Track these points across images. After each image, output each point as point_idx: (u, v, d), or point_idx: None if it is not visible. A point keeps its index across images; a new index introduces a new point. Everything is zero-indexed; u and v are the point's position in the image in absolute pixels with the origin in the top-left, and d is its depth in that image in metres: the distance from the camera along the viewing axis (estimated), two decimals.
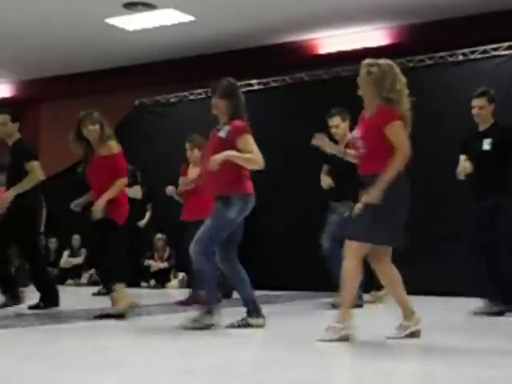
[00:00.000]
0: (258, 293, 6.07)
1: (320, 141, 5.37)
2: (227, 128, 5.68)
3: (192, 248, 5.63)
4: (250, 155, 5.61)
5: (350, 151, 5.43)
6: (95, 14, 11.24)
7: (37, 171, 7.05)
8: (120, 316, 6.32)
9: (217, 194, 5.70)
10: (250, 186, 5.75)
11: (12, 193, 6.93)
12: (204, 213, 6.10)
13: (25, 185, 6.96)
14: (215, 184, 5.67)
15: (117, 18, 11.44)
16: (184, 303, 7.99)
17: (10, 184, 7.12)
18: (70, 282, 12.81)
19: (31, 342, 5.23)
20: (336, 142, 7.38)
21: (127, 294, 6.48)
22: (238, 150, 5.61)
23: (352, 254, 4.90)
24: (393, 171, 4.84)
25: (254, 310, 5.79)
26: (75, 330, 5.89)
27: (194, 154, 8.08)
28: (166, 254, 12.07)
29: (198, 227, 5.79)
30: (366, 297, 8.21)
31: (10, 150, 7.23)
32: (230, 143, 5.62)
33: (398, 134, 4.94)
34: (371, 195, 4.81)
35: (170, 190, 8.32)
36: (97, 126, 6.48)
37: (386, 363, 4.19)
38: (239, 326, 5.74)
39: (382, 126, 4.95)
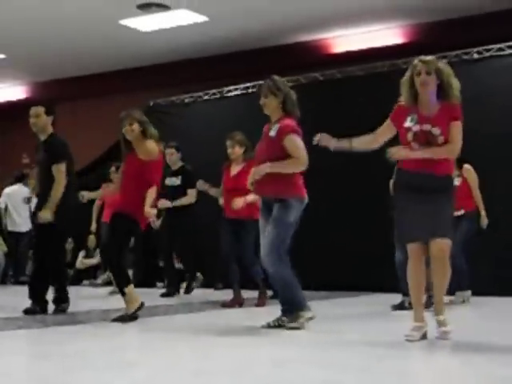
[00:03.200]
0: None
1: (324, 140, 5.33)
2: (277, 126, 5.68)
3: (266, 262, 5.62)
4: (291, 160, 5.61)
5: (357, 139, 5.32)
6: (109, 15, 11.28)
7: (62, 176, 6.81)
8: (133, 318, 6.27)
9: (275, 197, 5.66)
10: (303, 189, 5.77)
11: (48, 213, 6.73)
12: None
13: (57, 196, 6.77)
14: (273, 185, 5.64)
15: (131, 19, 11.47)
16: (228, 305, 7.97)
17: (41, 183, 6.97)
18: (85, 282, 12.84)
19: (46, 342, 5.25)
20: None
21: (137, 295, 6.42)
22: (285, 149, 5.63)
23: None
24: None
25: (290, 310, 5.80)
26: (90, 331, 5.91)
27: (235, 150, 7.98)
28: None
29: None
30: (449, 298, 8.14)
31: (41, 147, 6.99)
32: (278, 143, 5.64)
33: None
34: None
35: (200, 184, 8.27)
36: (135, 126, 6.34)
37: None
38: (275, 326, 5.75)
39: (449, 123, 4.96)
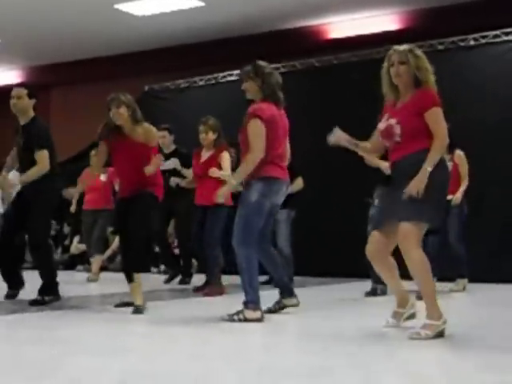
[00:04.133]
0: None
1: (337, 139, 5.15)
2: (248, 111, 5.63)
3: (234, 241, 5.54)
4: (246, 160, 5.51)
5: (363, 144, 5.26)
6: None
7: (45, 163, 6.66)
8: (138, 312, 6.07)
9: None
10: (273, 169, 5.60)
11: (21, 179, 6.68)
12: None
13: (33, 175, 6.63)
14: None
15: (126, 3, 11.41)
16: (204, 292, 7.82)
17: (23, 167, 6.79)
18: (79, 267, 12.82)
19: (38, 327, 5.25)
20: None
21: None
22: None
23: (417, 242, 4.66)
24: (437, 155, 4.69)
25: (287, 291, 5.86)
26: (83, 316, 5.90)
27: (207, 136, 7.88)
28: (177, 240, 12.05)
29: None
30: (450, 286, 8.19)
31: (21, 131, 6.80)
32: (245, 128, 5.57)
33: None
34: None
35: (171, 180, 8.32)
36: (122, 109, 6.19)
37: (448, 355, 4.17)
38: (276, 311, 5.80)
39: (419, 112, 4.76)
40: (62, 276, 8.71)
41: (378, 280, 7.06)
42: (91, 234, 10.15)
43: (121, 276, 6.27)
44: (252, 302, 5.42)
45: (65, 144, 14.05)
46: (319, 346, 4.32)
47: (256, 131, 5.50)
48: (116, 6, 11.52)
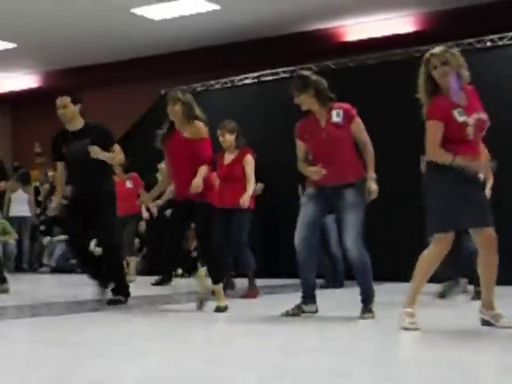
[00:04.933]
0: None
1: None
2: (339, 112, 5.67)
3: (350, 245, 5.55)
4: (370, 149, 5.64)
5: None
6: (121, 4, 11.28)
7: (121, 154, 6.82)
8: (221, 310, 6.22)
9: (344, 182, 5.60)
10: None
11: (103, 155, 6.68)
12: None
13: (116, 156, 6.78)
14: (340, 171, 5.59)
15: (143, 7, 11.47)
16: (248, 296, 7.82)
17: (82, 172, 6.73)
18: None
19: (58, 329, 5.26)
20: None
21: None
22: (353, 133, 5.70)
23: None
24: None
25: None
26: (101, 318, 5.92)
27: (225, 139, 7.85)
28: (195, 243, 12.04)
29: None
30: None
31: (77, 136, 6.73)
32: (346, 127, 5.65)
33: None
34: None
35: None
36: (178, 107, 6.25)
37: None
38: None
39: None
40: (79, 279, 8.81)
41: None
42: (122, 239, 10.28)
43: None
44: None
45: None
46: (341, 349, 4.31)
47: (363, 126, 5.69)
48: (132, 11, 11.58)
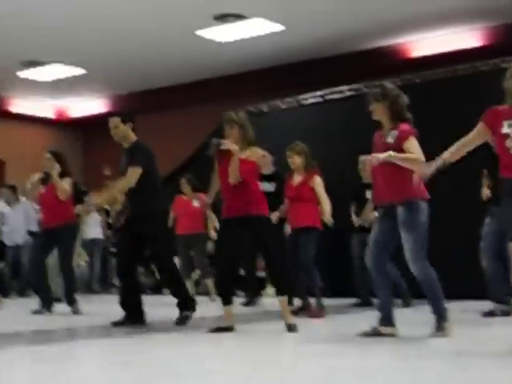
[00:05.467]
0: None
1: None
2: (395, 133, 5.63)
3: (411, 267, 5.55)
4: (414, 155, 5.48)
5: (449, 150, 5.23)
6: (186, 27, 11.42)
7: (131, 177, 6.77)
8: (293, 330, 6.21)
9: (399, 201, 5.58)
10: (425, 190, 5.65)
11: (99, 199, 6.92)
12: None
13: (120, 188, 6.89)
14: (396, 189, 5.57)
15: (207, 29, 11.58)
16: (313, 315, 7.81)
17: (128, 191, 6.91)
18: (166, 291, 12.94)
19: (128, 350, 5.32)
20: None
21: None
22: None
23: None
24: None
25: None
26: (167, 339, 5.95)
27: (294, 160, 7.93)
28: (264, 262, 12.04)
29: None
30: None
31: (125, 153, 7.02)
32: (398, 147, 5.55)
33: None
34: None
35: None
36: (234, 130, 6.29)
37: None
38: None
39: None
40: (149, 300, 8.90)
41: (499, 300, 7.03)
42: (186, 257, 10.38)
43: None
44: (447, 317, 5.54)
45: None
46: (412, 369, 4.24)
47: (417, 147, 5.56)
48: (198, 33, 11.71)
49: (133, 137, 7.03)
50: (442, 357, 4.72)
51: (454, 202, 9.86)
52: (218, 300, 6.38)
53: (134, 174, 6.78)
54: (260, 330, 6.71)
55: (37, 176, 8.43)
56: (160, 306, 8.73)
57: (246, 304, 9.44)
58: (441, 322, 5.53)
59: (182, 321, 6.80)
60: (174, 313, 6.90)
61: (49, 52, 12.77)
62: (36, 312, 8.35)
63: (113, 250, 13.59)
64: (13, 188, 12.28)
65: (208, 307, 8.75)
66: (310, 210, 7.75)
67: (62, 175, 8.27)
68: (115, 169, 8.11)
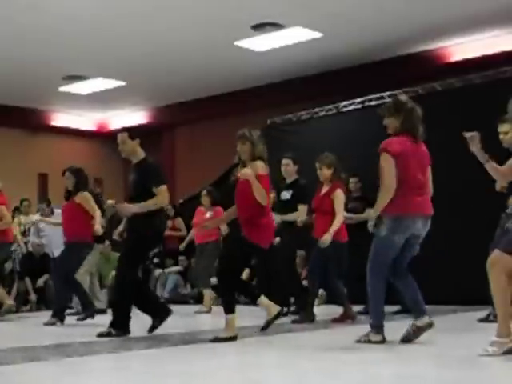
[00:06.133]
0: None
1: (472, 138, 5.22)
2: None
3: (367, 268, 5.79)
4: (379, 196, 5.68)
5: (494, 164, 5.22)
6: (225, 37, 11.45)
7: (165, 196, 6.84)
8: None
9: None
10: (403, 205, 5.65)
11: (135, 207, 6.79)
12: None
13: (149, 205, 6.78)
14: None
15: (246, 39, 11.60)
16: (338, 320, 8.01)
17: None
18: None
19: (172, 360, 5.31)
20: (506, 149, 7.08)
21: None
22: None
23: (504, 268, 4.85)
24: None
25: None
26: (215, 348, 5.93)
27: (323, 172, 8.03)
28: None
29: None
30: None
31: (133, 169, 7.10)
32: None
33: None
34: None
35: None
36: (246, 146, 6.36)
37: None
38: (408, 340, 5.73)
39: None
40: (192, 310, 8.88)
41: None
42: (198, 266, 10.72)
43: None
44: (375, 326, 5.75)
45: (191, 181, 14.40)
46: (454, 377, 4.17)
47: (385, 165, 5.63)
48: (236, 43, 11.74)
49: (141, 152, 7.10)
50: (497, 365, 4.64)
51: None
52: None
53: (164, 192, 6.83)
54: (304, 338, 6.67)
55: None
56: (182, 317, 8.74)
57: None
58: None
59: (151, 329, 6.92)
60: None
61: (89, 66, 12.91)
62: (48, 324, 8.43)
63: (156, 260, 13.64)
64: (47, 201, 12.49)
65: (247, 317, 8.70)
66: (329, 222, 7.79)
67: (77, 190, 8.52)
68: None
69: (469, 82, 10.96)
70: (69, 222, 8.59)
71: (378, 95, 11.68)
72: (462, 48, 11.76)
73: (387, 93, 11.70)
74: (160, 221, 7.04)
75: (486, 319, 7.36)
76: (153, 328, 6.96)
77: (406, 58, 12.32)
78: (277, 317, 6.39)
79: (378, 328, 5.74)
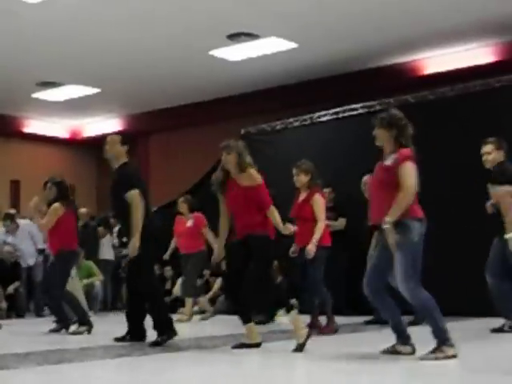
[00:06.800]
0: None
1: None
2: (393, 157, 5.62)
3: (403, 288, 5.47)
4: (401, 196, 5.43)
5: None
6: (200, 46, 11.47)
7: (136, 200, 6.79)
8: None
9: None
10: (419, 210, 5.60)
11: (136, 239, 6.75)
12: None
13: (138, 222, 6.76)
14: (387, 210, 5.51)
15: (221, 49, 11.63)
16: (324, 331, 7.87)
17: (116, 212, 7.05)
18: (181, 309, 12.91)
19: (146, 370, 5.29)
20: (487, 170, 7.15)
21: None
22: (398, 177, 5.52)
23: None
24: None
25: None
26: (187, 358, 5.93)
27: (299, 178, 7.96)
28: (278, 281, 12.00)
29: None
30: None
31: (113, 175, 7.13)
32: (393, 170, 5.55)
33: None
34: None
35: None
36: (231, 156, 6.36)
37: None
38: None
39: None
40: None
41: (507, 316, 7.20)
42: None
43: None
44: (448, 339, 5.39)
45: (165, 189, 14.36)
46: None
47: (411, 173, 5.52)
48: (211, 53, 11.76)
49: (124, 159, 7.14)
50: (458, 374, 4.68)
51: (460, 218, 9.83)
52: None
53: (136, 198, 6.81)
54: (271, 349, 6.68)
55: (35, 200, 8.57)
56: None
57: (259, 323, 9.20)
58: (440, 344, 5.41)
59: (155, 343, 6.69)
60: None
61: (63, 73, 12.86)
62: (53, 331, 8.41)
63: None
64: (10, 216, 12.41)
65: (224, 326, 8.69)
66: (310, 229, 7.71)
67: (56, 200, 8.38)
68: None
69: (441, 94, 11.07)
70: (53, 233, 8.39)
71: (351, 106, 11.76)
72: (435, 61, 11.88)
73: (360, 104, 11.78)
74: (149, 221, 6.95)
75: (500, 329, 7.35)
76: (156, 343, 6.74)
77: (380, 70, 12.42)
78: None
79: (448, 340, 5.39)
